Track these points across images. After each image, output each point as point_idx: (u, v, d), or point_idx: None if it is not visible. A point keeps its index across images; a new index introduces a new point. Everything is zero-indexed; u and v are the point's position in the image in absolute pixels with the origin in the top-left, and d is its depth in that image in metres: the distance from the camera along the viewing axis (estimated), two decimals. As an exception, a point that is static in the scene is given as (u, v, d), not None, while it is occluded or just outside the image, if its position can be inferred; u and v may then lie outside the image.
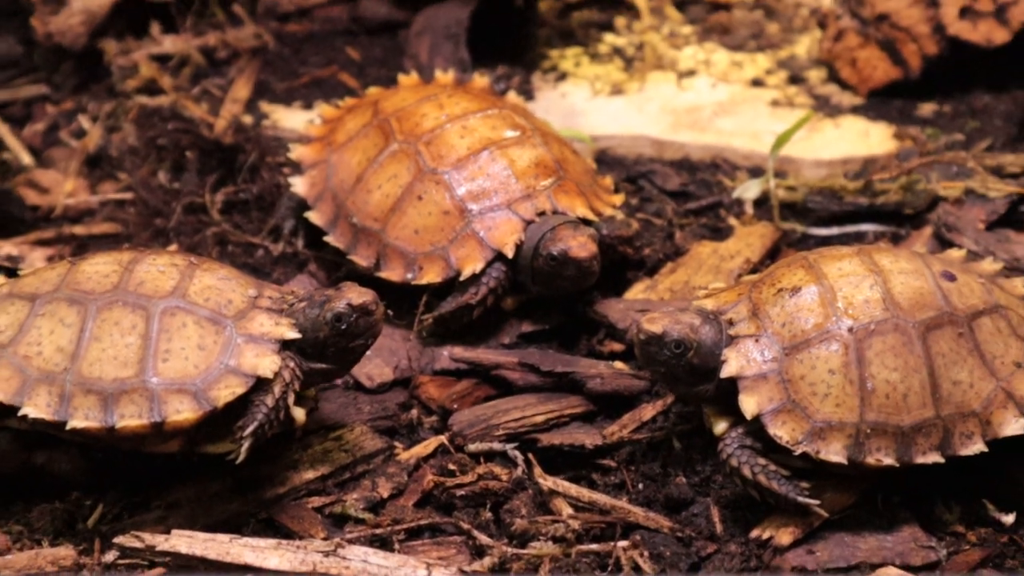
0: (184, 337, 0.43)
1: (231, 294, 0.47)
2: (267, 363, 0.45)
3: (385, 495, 0.50)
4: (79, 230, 0.54)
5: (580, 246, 0.55)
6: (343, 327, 0.48)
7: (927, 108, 0.59)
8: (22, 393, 0.43)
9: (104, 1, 0.51)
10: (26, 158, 0.59)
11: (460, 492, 0.51)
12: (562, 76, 0.60)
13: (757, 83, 0.59)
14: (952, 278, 0.47)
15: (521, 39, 0.66)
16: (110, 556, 0.47)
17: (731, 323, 0.49)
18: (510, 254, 0.56)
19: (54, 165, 0.59)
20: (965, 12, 0.56)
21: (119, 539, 0.45)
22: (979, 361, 0.45)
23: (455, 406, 0.55)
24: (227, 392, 0.44)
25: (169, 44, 0.63)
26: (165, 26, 0.66)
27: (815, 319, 0.45)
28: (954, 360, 0.44)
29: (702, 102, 0.56)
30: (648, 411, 0.53)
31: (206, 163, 0.65)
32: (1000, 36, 0.59)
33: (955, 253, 0.52)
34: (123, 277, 0.45)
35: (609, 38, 0.62)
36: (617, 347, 0.58)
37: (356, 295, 0.47)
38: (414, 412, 0.56)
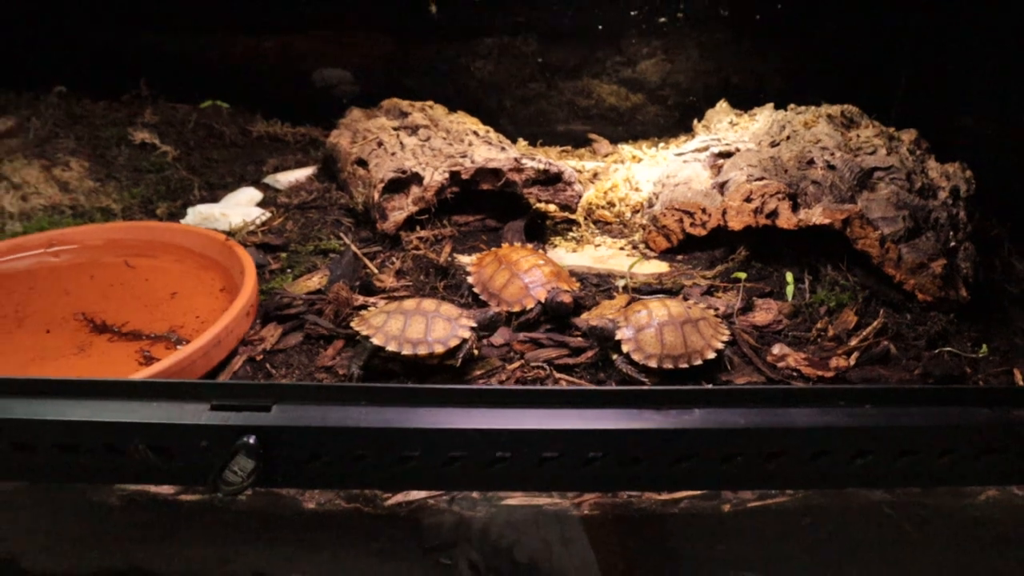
0: (439, 325, 0.84)
1: (453, 311, 0.85)
2: (465, 332, 0.83)
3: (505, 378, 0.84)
4: (396, 293, 0.97)
5: (566, 296, 0.92)
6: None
7: (681, 257, 1.07)
8: (387, 342, 0.83)
9: (399, 218, 1.02)
10: (375, 269, 1.00)
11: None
12: (555, 245, 1.10)
13: (622, 248, 1.10)
14: (690, 307, 0.89)
15: (542, 233, 1.11)
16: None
17: (617, 321, 0.87)
18: (543, 301, 0.92)
19: (383, 272, 0.99)
20: (692, 224, 1.05)
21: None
22: (699, 334, 0.88)
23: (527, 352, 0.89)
24: (454, 341, 0.82)
25: (424, 233, 1.06)
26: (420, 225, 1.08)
27: (646, 319, 0.87)
28: (691, 333, 0.87)
29: (604, 255, 1.07)
30: (589, 353, 0.88)
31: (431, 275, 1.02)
32: (701, 232, 1.04)
33: (691, 301, 0.93)
34: (418, 305, 0.87)
35: (571, 234, 1.12)
36: (578, 335, 0.91)
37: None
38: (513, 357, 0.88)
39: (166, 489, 0.66)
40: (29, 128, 1.16)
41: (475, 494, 0.69)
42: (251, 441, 0.60)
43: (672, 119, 1.50)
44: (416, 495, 0.69)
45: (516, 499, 0.68)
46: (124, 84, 1.31)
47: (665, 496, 0.67)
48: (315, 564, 0.71)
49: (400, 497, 0.69)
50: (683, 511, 0.66)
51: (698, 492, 0.69)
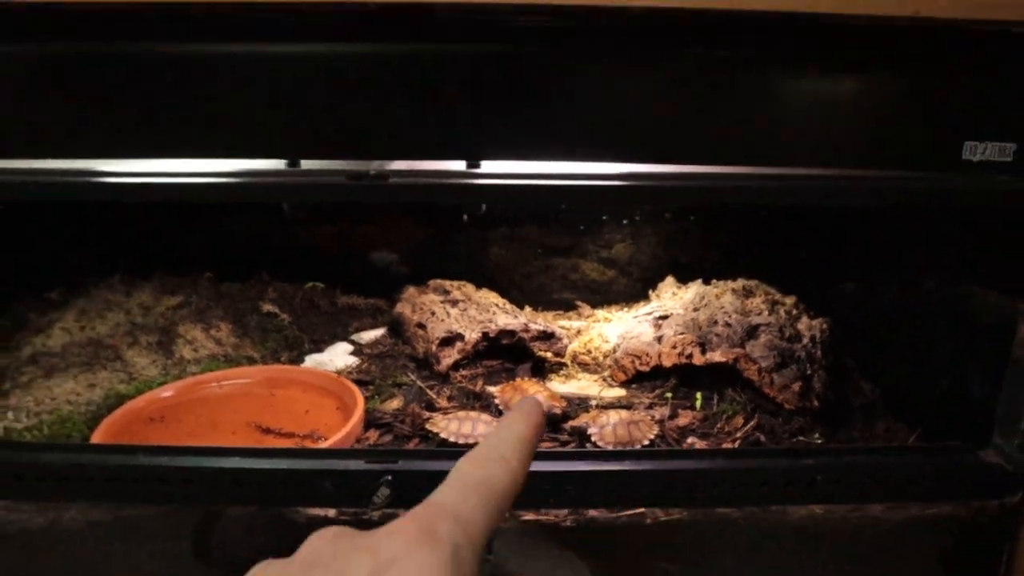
0: (481, 427, 1.17)
1: (489, 419, 1.21)
2: None
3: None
4: (448, 411, 1.37)
5: (558, 409, 1.30)
6: None
7: (634, 385, 1.42)
8: (449, 436, 1.35)
9: (448, 363, 1.34)
10: (433, 396, 1.41)
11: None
12: (551, 379, 1.48)
13: (595, 381, 1.44)
14: (633, 414, 1.29)
15: (542, 371, 1.56)
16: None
17: (589, 424, 1.25)
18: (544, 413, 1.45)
19: (439, 398, 1.40)
20: (640, 363, 1.44)
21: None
22: (639, 430, 1.49)
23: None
24: None
25: (465, 372, 1.51)
26: (462, 367, 1.47)
27: (605, 420, 1.21)
28: (634, 429, 1.32)
29: (584, 385, 1.40)
30: (572, 444, 1.24)
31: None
32: (646, 368, 1.43)
33: (638, 412, 1.33)
34: (467, 415, 1.22)
35: (561, 372, 1.48)
36: (565, 434, 1.29)
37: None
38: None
39: (331, 512, 1.20)
40: (192, 302, 1.70)
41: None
42: (388, 479, 1.14)
43: (636, 289, 2.01)
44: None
45: (530, 515, 1.21)
46: (252, 271, 1.88)
47: (615, 513, 1.20)
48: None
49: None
50: (624, 522, 1.19)
51: (639, 510, 1.21)
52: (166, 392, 1.42)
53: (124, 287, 1.67)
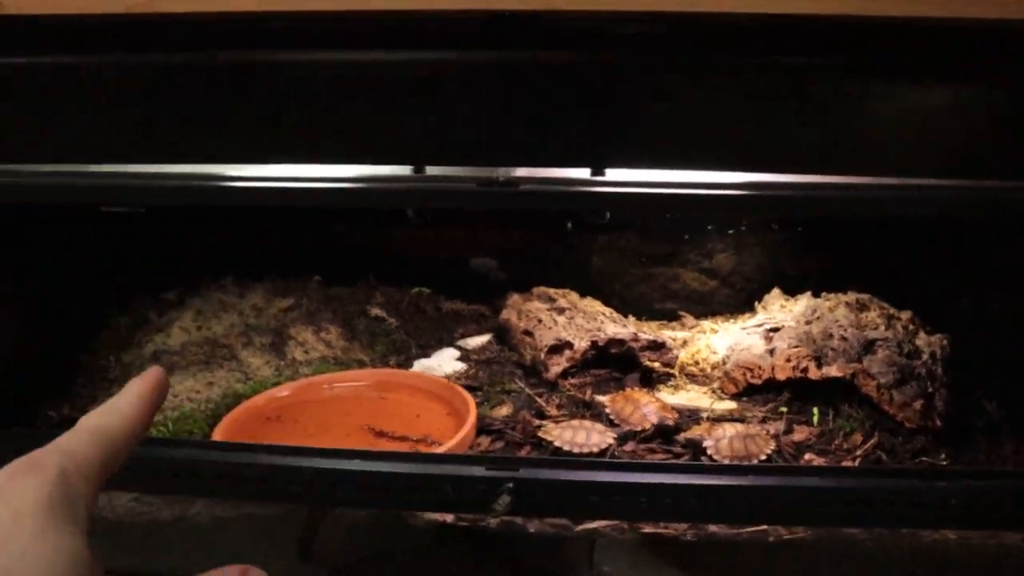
0: (594, 436, 1.21)
1: (601, 428, 1.26)
2: (610, 440, 1.24)
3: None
4: (558, 419, 1.51)
5: (670, 421, 1.31)
6: None
7: (744, 399, 1.42)
8: (563, 444, 1.53)
9: (557, 371, 1.35)
10: (543, 404, 1.45)
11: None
12: (659, 390, 1.54)
13: (704, 393, 1.46)
14: (748, 428, 1.35)
15: (650, 381, 1.62)
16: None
17: (703, 436, 1.26)
18: (656, 423, 1.30)
19: (548, 405, 1.49)
20: (752, 376, 1.61)
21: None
22: (755, 444, 1.49)
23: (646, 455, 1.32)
24: (604, 445, 1.20)
25: (574, 380, 1.54)
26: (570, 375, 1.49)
27: (721, 434, 1.27)
28: (750, 443, 1.27)
29: (692, 396, 1.45)
30: (685, 456, 1.39)
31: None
32: (758, 382, 1.47)
33: (750, 426, 1.31)
34: (580, 424, 1.24)
35: (670, 383, 1.53)
36: (678, 446, 1.35)
37: None
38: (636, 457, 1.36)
39: (449, 517, 1.20)
40: (302, 305, 1.73)
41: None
42: (510, 486, 1.14)
43: (739, 300, 1.99)
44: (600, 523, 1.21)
45: (649, 527, 1.19)
46: (359, 275, 1.91)
47: (737, 529, 1.18)
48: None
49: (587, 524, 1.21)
50: (746, 539, 1.17)
51: (761, 527, 1.18)
52: (283, 392, 1.45)
53: (237, 289, 1.71)
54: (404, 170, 1.04)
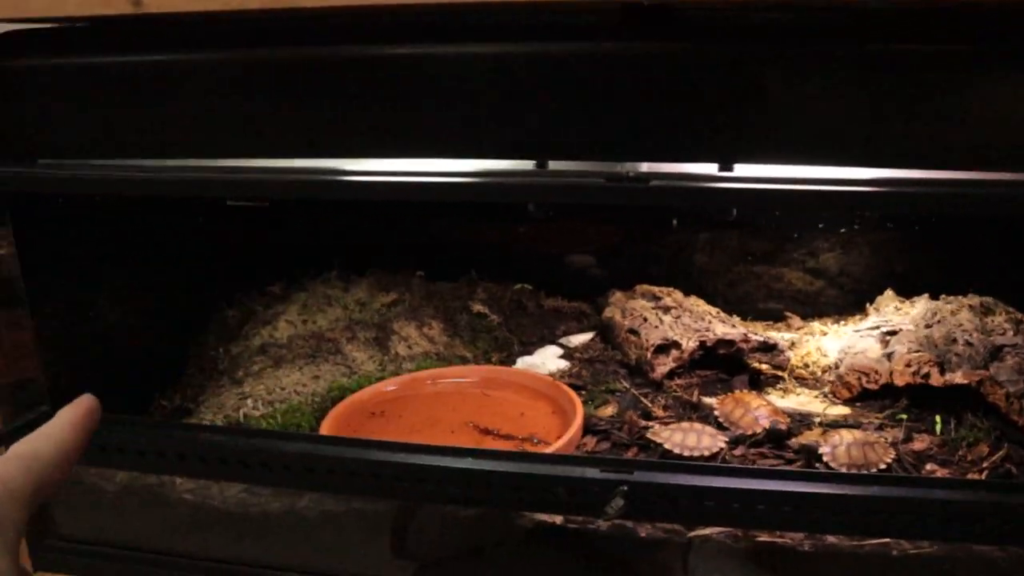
0: (705, 439, 1.18)
1: (711, 431, 1.24)
2: (721, 444, 1.21)
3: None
4: (664, 420, 1.48)
5: (783, 425, 1.27)
6: None
7: (858, 404, 1.36)
8: (673, 447, 1.37)
9: (663, 370, 1.35)
10: (648, 404, 1.45)
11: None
12: (768, 393, 1.53)
13: (815, 397, 1.42)
14: (866, 435, 1.20)
15: (759, 384, 1.63)
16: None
17: (819, 442, 1.22)
18: (768, 428, 1.27)
19: (654, 406, 1.47)
20: (867, 381, 1.40)
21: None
22: (875, 452, 1.34)
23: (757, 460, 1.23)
24: (715, 448, 1.20)
25: (680, 381, 1.48)
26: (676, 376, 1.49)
27: (837, 441, 1.17)
28: (869, 451, 1.11)
29: (803, 401, 1.40)
30: (798, 463, 1.31)
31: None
32: (874, 387, 1.44)
33: (867, 433, 1.24)
34: (691, 426, 1.19)
35: (779, 386, 1.55)
36: (790, 452, 1.27)
37: None
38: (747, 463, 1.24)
39: (558, 519, 1.18)
40: (405, 300, 1.73)
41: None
42: (624, 489, 1.11)
43: (848, 301, 1.92)
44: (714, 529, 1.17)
45: (764, 536, 1.15)
46: (461, 271, 1.90)
47: (857, 541, 1.13)
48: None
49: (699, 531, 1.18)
50: (866, 552, 1.12)
51: (883, 540, 1.13)
52: (388, 387, 1.45)
53: (341, 283, 1.72)
54: (526, 165, 1.02)
